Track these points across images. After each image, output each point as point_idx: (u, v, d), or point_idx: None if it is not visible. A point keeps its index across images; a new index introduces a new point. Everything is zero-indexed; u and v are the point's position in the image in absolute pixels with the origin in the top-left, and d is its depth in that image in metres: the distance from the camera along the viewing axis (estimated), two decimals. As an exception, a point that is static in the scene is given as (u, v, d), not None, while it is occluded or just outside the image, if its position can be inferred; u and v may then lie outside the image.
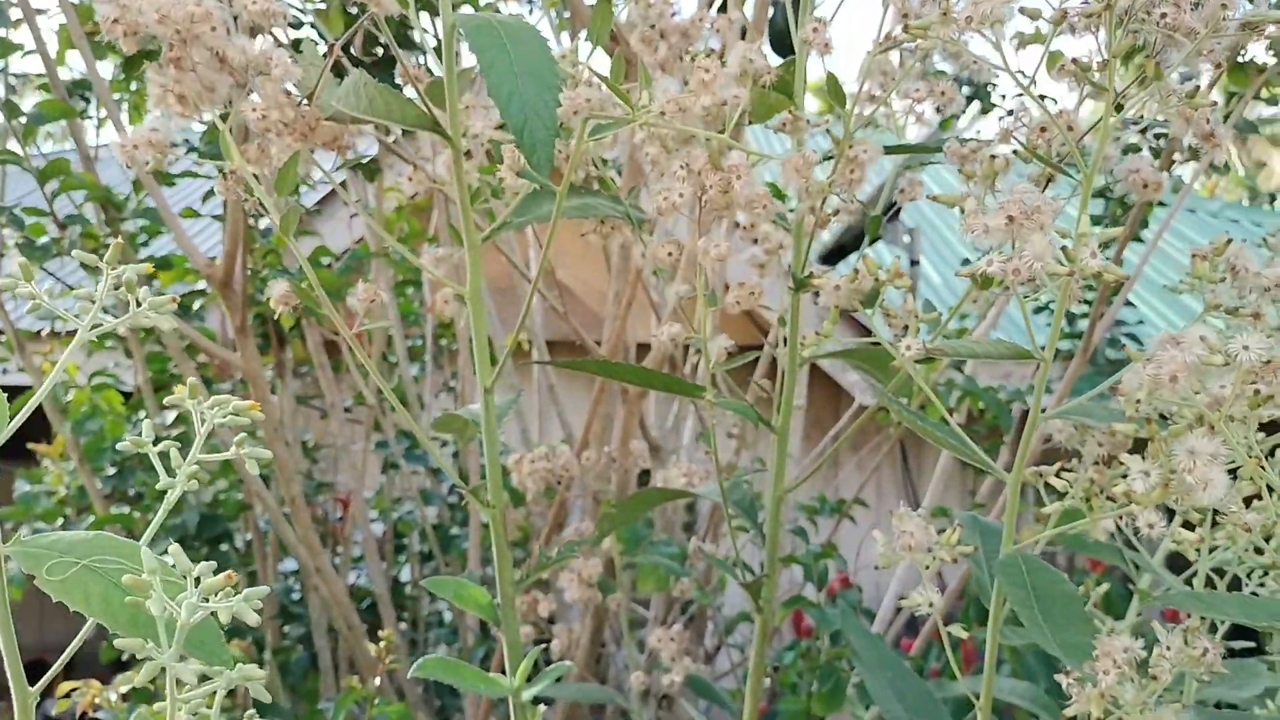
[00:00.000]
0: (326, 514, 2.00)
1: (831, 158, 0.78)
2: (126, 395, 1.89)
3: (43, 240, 1.59)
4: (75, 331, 0.44)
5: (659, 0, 0.91)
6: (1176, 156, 1.21)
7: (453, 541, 1.89)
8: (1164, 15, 0.65)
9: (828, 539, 1.72)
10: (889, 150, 0.79)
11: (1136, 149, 1.64)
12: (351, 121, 0.74)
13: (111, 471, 1.75)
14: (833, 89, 0.75)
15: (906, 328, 0.70)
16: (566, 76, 0.81)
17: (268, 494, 1.58)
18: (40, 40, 1.54)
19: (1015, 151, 0.70)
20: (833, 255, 3.44)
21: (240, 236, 1.41)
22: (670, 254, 0.75)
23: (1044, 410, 0.67)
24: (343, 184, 1.53)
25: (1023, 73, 0.64)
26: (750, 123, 0.82)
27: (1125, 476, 0.57)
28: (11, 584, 0.56)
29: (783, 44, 1.35)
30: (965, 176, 0.70)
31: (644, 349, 1.52)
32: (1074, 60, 0.59)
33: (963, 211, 0.72)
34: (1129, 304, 1.65)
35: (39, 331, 1.88)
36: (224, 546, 1.77)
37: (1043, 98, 0.68)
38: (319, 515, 1.92)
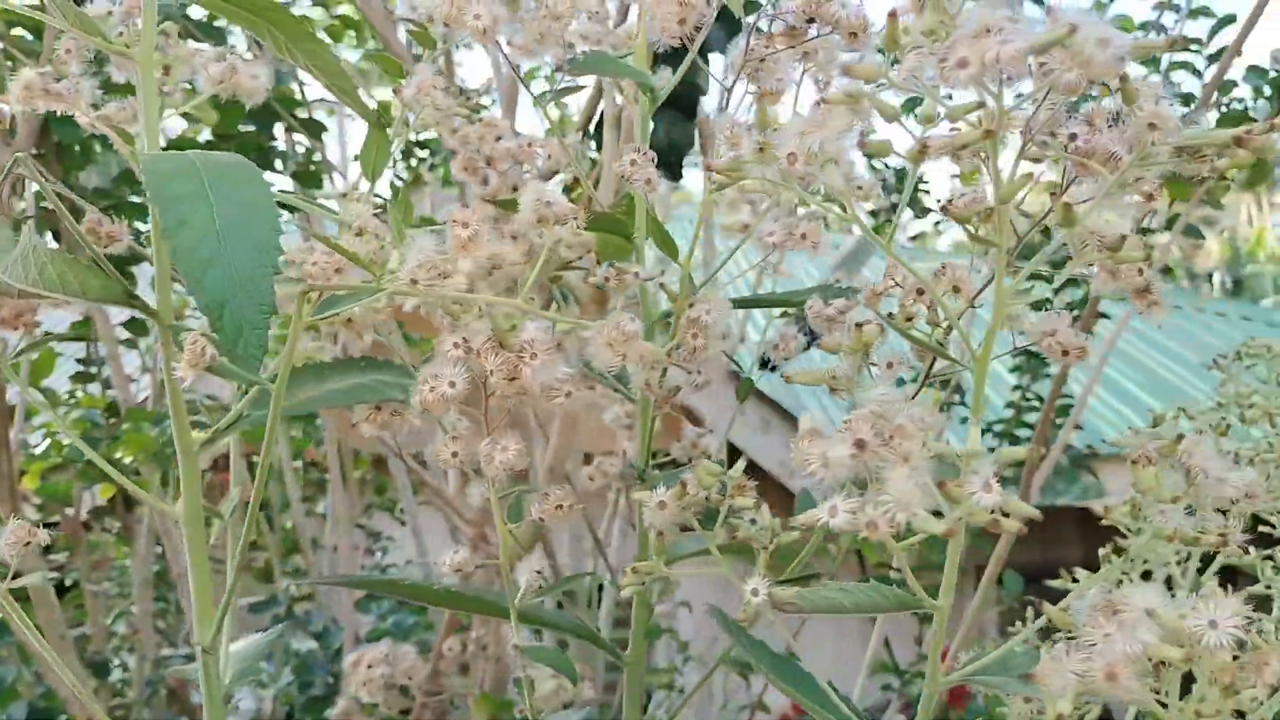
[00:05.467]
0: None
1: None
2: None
3: None
4: None
5: (490, 121, 0.75)
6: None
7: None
8: (1073, 137, 0.49)
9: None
10: (737, 304, 0.61)
11: (1046, 304, 1.50)
12: (20, 296, 0.56)
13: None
14: (659, 238, 0.58)
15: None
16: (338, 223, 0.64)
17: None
18: None
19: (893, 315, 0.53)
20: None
21: None
22: (455, 455, 0.56)
23: (944, 674, 0.49)
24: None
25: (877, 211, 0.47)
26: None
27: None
28: None
29: (670, 164, 1.18)
30: (825, 349, 0.53)
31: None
32: (946, 207, 0.42)
33: (833, 392, 0.55)
34: (1078, 427, 1.49)
35: None
36: None
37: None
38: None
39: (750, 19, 0.55)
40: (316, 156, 1.54)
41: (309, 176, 1.45)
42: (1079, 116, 0.50)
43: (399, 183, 1.90)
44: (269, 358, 0.54)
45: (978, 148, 0.45)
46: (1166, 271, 1.78)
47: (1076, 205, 0.48)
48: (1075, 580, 0.84)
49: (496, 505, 0.56)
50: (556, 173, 0.81)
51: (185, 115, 1.34)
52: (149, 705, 1.55)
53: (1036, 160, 0.49)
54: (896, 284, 0.51)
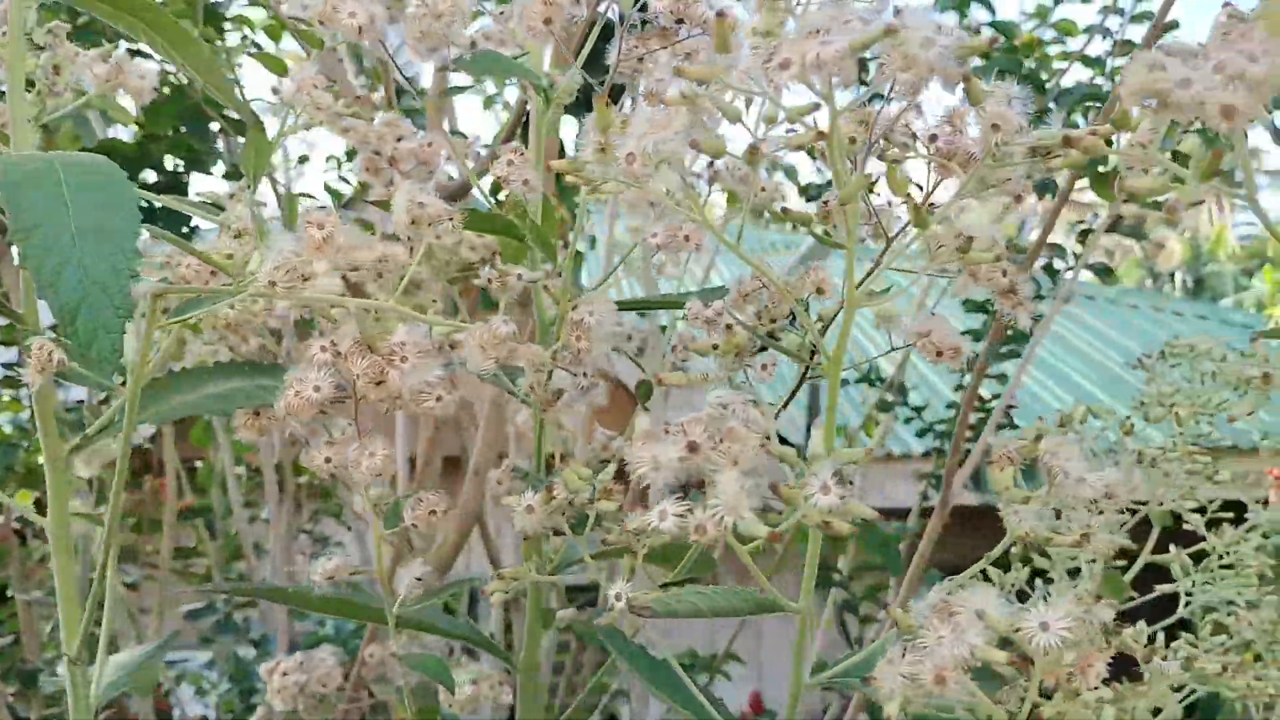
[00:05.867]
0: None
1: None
2: None
3: None
4: None
5: (391, 120, 0.74)
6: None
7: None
8: (934, 138, 0.49)
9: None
10: (622, 306, 0.61)
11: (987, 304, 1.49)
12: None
13: None
14: (538, 239, 0.57)
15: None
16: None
17: None
18: None
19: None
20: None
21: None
22: (328, 460, 0.55)
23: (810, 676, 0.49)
24: None
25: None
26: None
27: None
28: None
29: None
30: (695, 351, 0.52)
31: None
32: (785, 210, 0.42)
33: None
34: (1014, 426, 1.49)
35: None
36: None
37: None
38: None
39: (626, 19, 0.55)
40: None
41: (240, 177, 1.43)
42: (942, 118, 0.50)
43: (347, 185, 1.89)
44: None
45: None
46: (1107, 272, 1.80)
47: (938, 205, 0.48)
48: (986, 579, 0.84)
49: (372, 510, 0.56)
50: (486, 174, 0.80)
51: (105, 115, 1.32)
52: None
53: (897, 161, 0.49)
54: (763, 285, 0.50)
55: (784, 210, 0.44)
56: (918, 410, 1.80)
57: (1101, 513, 0.49)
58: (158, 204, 0.89)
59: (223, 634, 1.69)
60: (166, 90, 1.41)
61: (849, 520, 0.39)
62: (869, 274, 0.48)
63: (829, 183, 1.45)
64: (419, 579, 0.59)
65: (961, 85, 0.44)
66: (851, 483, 1.27)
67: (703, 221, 0.43)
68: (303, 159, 2.07)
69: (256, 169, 0.63)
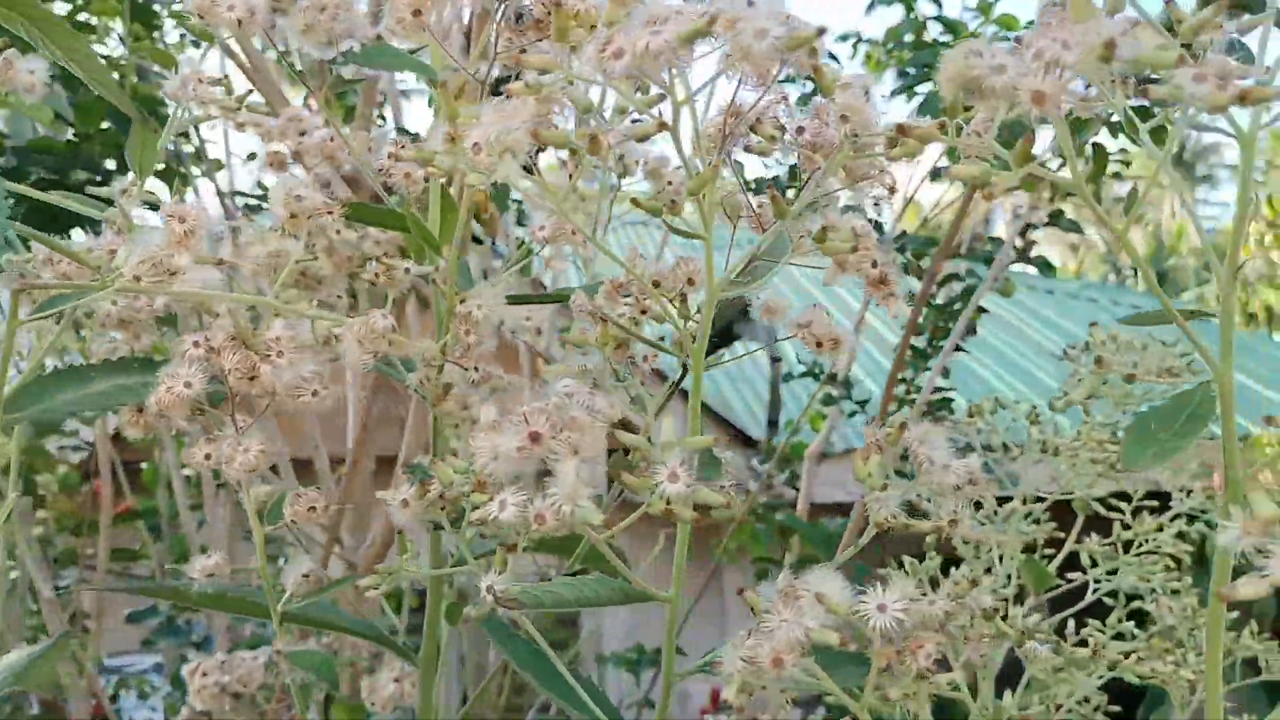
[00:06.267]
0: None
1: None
2: None
3: None
4: None
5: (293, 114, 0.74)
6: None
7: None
8: (800, 130, 0.50)
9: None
10: (512, 301, 0.61)
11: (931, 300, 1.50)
12: None
13: None
14: (419, 231, 0.57)
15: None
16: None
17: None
18: None
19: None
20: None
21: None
22: (208, 457, 0.55)
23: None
24: None
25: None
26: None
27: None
28: None
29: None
30: (570, 343, 0.52)
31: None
32: (633, 200, 0.42)
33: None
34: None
35: None
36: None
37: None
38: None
39: (503, 10, 0.55)
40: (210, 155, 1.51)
41: (172, 175, 1.42)
42: (810, 110, 0.51)
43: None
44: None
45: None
46: (1047, 267, 1.82)
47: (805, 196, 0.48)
48: (902, 568, 0.85)
49: (250, 507, 0.55)
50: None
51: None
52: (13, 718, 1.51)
53: (764, 153, 0.49)
54: (636, 277, 0.51)
55: (632, 200, 0.44)
56: (862, 404, 1.81)
57: (979, 500, 0.50)
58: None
59: (165, 637, 1.67)
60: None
61: (698, 507, 0.39)
62: (745, 265, 0.49)
63: (775, 177, 1.45)
64: (305, 575, 0.58)
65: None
66: (772, 475, 1.28)
67: (559, 212, 0.43)
68: (251, 156, 2.05)
69: (143, 164, 0.62)
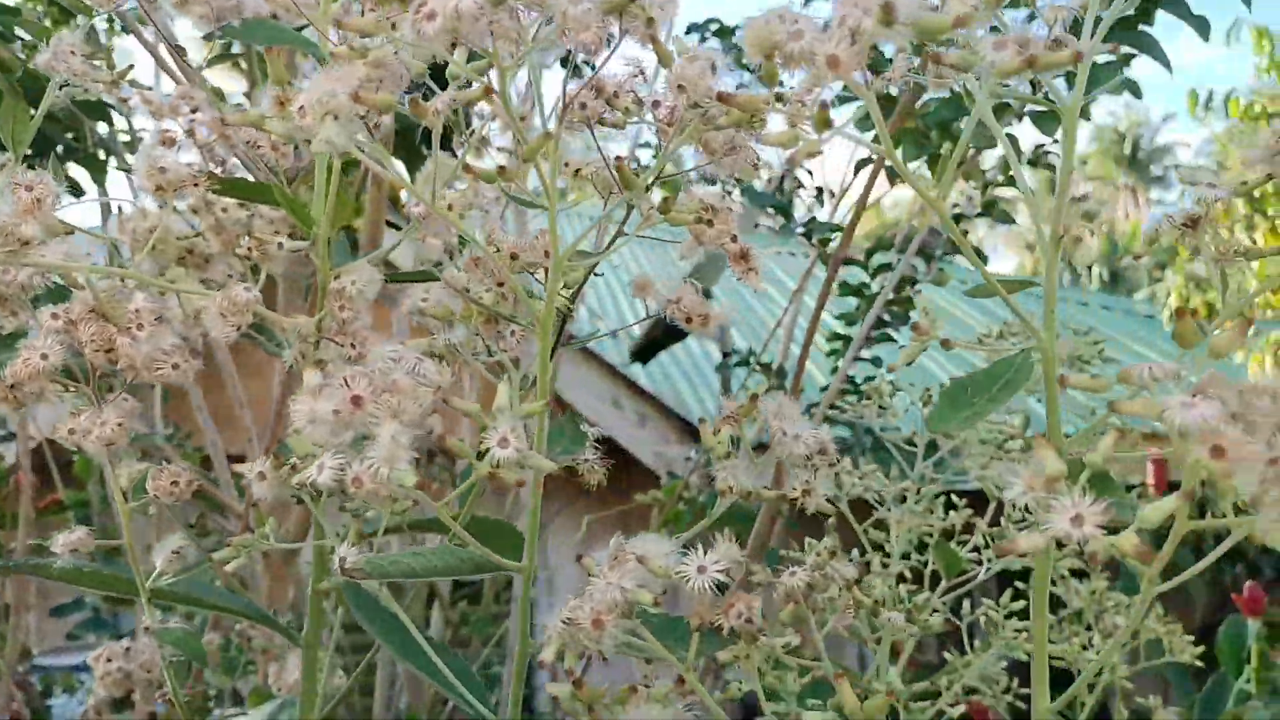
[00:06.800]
0: None
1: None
2: None
3: None
4: None
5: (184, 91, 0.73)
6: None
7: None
8: (656, 105, 0.50)
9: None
10: (390, 279, 0.61)
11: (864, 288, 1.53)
12: None
13: None
14: (289, 207, 0.57)
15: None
16: None
17: None
18: None
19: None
20: (643, 352, 3.29)
21: None
22: (71, 431, 0.54)
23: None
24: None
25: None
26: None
27: None
28: None
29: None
30: (429, 315, 0.52)
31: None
32: (467, 167, 0.42)
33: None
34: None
35: None
36: None
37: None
38: None
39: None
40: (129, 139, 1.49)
41: (94, 160, 1.40)
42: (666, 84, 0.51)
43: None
44: None
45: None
46: (981, 257, 1.84)
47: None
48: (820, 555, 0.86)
49: (115, 484, 0.55)
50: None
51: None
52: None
53: (618, 126, 0.50)
54: (498, 249, 0.51)
55: (466, 167, 0.44)
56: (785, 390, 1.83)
57: (821, 468, 0.51)
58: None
59: (91, 630, 1.65)
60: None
61: (528, 470, 0.39)
62: (608, 238, 0.49)
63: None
64: (176, 551, 0.58)
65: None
66: (707, 463, 1.28)
67: (406, 185, 0.43)
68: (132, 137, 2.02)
69: (16, 137, 0.62)
